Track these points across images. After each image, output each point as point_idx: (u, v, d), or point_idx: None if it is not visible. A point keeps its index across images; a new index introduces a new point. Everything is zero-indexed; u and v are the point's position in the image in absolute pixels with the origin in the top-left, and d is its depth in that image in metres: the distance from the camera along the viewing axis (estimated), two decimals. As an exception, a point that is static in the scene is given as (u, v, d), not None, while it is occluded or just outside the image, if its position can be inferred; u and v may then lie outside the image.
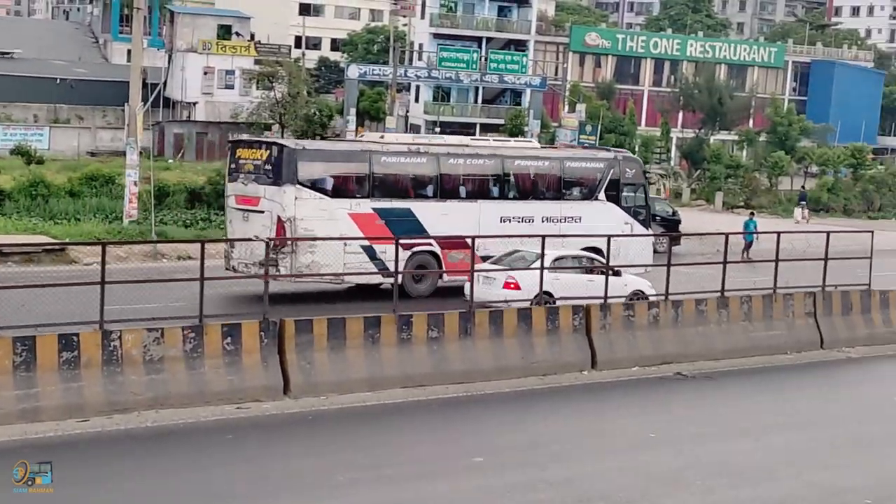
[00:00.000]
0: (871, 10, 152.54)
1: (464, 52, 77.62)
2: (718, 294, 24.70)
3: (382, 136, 34.51)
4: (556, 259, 26.32)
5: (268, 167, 28.16)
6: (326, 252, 26.54)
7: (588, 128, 57.44)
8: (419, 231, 28.69)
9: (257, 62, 74.95)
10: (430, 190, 30.03)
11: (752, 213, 47.87)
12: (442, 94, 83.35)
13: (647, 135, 73.95)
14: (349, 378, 19.24)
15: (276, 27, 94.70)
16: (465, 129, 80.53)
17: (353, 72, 73.27)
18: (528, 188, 31.62)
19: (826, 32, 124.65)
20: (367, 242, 27.17)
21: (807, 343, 25.44)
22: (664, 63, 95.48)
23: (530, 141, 39.93)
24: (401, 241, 22.90)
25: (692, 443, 17.79)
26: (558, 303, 23.94)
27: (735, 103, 78.57)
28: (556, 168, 32.21)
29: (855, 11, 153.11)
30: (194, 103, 77.06)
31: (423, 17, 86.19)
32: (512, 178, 31.42)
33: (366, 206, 28.50)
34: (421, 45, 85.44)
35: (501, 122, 77.26)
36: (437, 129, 76.09)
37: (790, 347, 25.10)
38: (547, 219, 30.79)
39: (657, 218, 43.11)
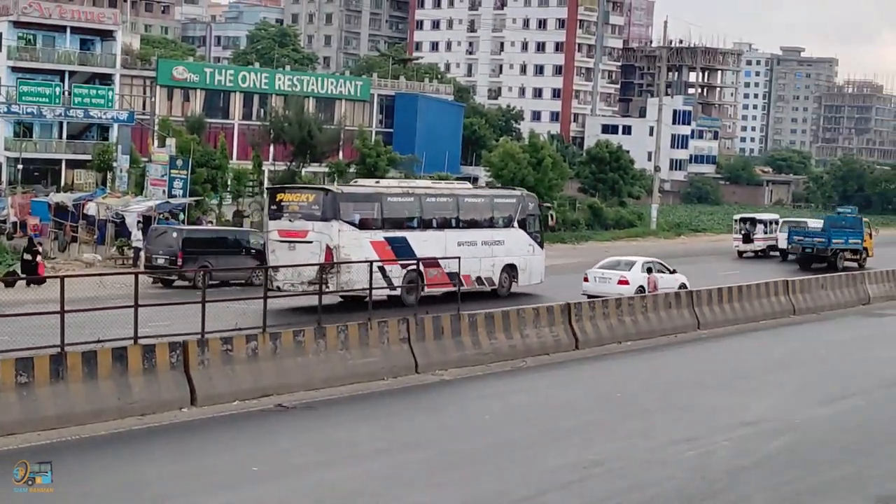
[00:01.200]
0: (448, 46, 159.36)
1: (45, 85, 74.74)
2: (316, 324, 24.98)
3: (378, 182, 42.85)
4: (644, 263, 39.27)
5: (315, 207, 35.42)
6: (358, 271, 33.31)
7: (179, 162, 56.51)
8: (411, 254, 36.18)
9: None
10: (416, 222, 37.72)
11: None
12: (24, 130, 79.98)
13: (240, 168, 73.63)
14: (-70, 432, 18.05)
15: None
16: (51, 165, 77.66)
17: (-78, 107, 69.03)
18: (474, 219, 40.10)
19: (408, 67, 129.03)
20: (380, 263, 33.99)
21: (402, 368, 26.07)
22: (253, 96, 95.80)
23: (465, 183, 49.07)
24: (399, 262, 35.13)
25: (296, 473, 17.82)
26: (659, 290, 36.73)
27: (324, 136, 79.63)
28: (489, 204, 41.43)
29: (434, 47, 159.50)
30: None
31: None
32: (464, 212, 39.58)
33: (380, 235, 36.11)
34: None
35: (89, 157, 74.96)
36: (20, 167, 72.92)
37: (387, 373, 25.63)
38: (484, 242, 39.49)
39: (252, 251, 43.08)
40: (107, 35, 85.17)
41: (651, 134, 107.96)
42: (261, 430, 20.85)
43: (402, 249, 36.23)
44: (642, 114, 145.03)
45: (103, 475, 17.35)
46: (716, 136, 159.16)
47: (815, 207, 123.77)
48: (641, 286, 37.52)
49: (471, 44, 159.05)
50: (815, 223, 64.79)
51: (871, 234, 61.69)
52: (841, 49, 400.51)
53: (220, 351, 22.61)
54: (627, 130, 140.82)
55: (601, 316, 31.96)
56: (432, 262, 36.11)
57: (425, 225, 37.94)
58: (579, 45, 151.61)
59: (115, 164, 65.22)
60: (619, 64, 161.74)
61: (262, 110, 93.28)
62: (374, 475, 17.87)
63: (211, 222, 56.48)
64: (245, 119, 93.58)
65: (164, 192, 54.40)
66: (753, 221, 66.50)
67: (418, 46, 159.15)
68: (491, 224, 40.60)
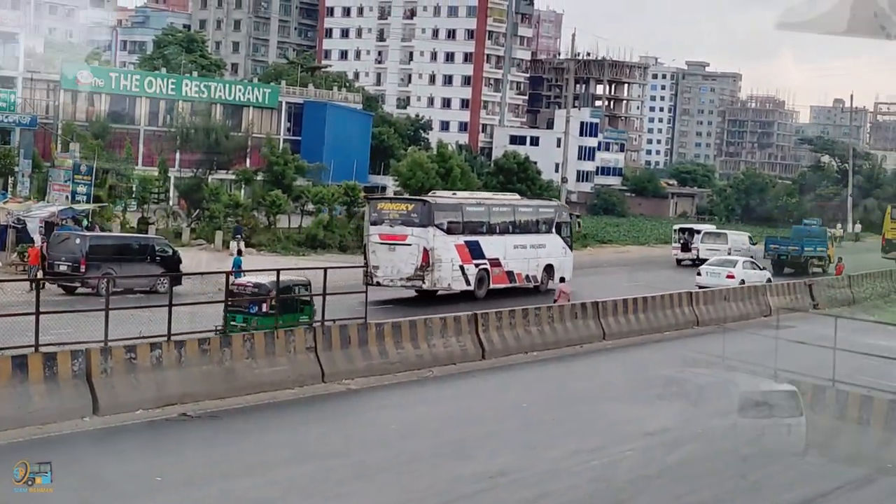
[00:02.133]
0: (358, 55, 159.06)
1: (-54, 88, 73.50)
2: (221, 332, 24.76)
3: (455, 194, 50.09)
4: (744, 262, 51.31)
5: (414, 215, 41.19)
6: (446, 269, 41.10)
7: (83, 168, 55.73)
8: (482, 256, 42.89)
9: None
10: (484, 228, 43.95)
11: (239, 252, 48.40)
12: (-78, 133, 78.32)
13: (146, 175, 72.89)
14: None
15: None
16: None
17: None
18: (525, 226, 46.72)
19: (317, 75, 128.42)
20: (461, 262, 41.78)
21: (309, 377, 25.93)
22: (160, 102, 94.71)
23: (515, 195, 55.70)
24: (473, 262, 42.33)
25: (199, 483, 17.65)
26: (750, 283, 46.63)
27: (232, 143, 79.07)
28: (535, 212, 48.77)
29: (343, 55, 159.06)
30: None
31: None
32: (518, 220, 46.42)
33: (461, 239, 42.20)
34: None
35: (-10, 161, 73.61)
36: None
37: (293, 382, 25.47)
38: (531, 246, 45.99)
39: (158, 259, 42.56)
40: (9, 38, 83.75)
41: (558, 145, 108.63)
42: (164, 440, 20.63)
43: (475, 252, 42.60)
44: (550, 125, 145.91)
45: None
46: (622, 149, 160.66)
47: (719, 220, 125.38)
48: (743, 279, 48.20)
49: (380, 53, 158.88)
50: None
51: (832, 244, 67.97)
52: (744, 64, 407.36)
53: (124, 359, 22.32)
54: (535, 142, 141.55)
55: (508, 326, 32.08)
56: (496, 262, 43.58)
57: (491, 231, 44.24)
58: (488, 55, 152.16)
59: (16, 169, 64.12)
60: (528, 75, 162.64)
61: (168, 116, 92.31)
62: (278, 485, 17.77)
63: (109, 229, 55.64)
64: (151, 125, 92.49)
65: (67, 197, 53.58)
66: (691, 231, 70.41)
67: (327, 54, 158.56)
68: (537, 230, 47.28)
